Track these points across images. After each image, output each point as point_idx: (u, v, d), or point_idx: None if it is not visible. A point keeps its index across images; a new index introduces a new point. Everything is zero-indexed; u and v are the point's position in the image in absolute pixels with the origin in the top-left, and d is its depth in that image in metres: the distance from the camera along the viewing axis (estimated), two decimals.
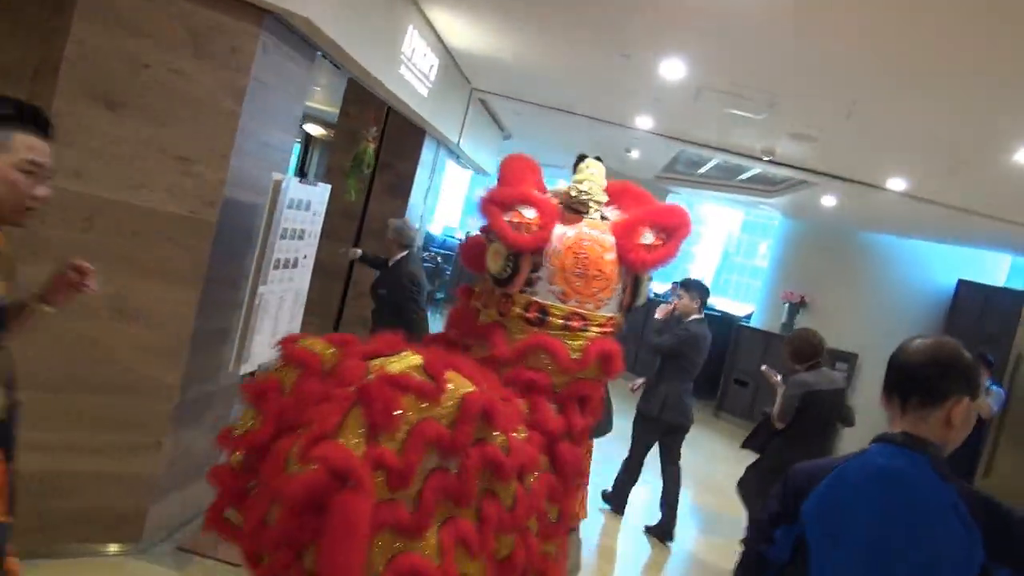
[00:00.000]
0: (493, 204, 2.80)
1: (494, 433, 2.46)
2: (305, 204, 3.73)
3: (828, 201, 8.73)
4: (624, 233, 2.88)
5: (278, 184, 3.41)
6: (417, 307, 5.33)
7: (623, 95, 6.17)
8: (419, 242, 7.10)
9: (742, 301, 14.09)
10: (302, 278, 3.89)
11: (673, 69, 4.78)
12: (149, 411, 3.44)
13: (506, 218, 2.78)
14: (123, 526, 3.46)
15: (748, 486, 4.72)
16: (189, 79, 3.31)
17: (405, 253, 5.43)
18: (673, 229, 2.91)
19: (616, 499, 5.84)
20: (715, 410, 11.37)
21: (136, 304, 3.34)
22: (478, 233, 3.03)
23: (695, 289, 5.60)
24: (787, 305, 11.33)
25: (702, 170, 9.90)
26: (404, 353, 2.51)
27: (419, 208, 7.08)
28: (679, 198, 13.26)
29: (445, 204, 17.75)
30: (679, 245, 2.93)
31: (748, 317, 12.87)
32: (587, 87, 6.27)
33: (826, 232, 11.43)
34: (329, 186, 4.03)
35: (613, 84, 5.83)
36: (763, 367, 5.08)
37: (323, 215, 3.99)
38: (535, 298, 2.78)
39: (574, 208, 2.91)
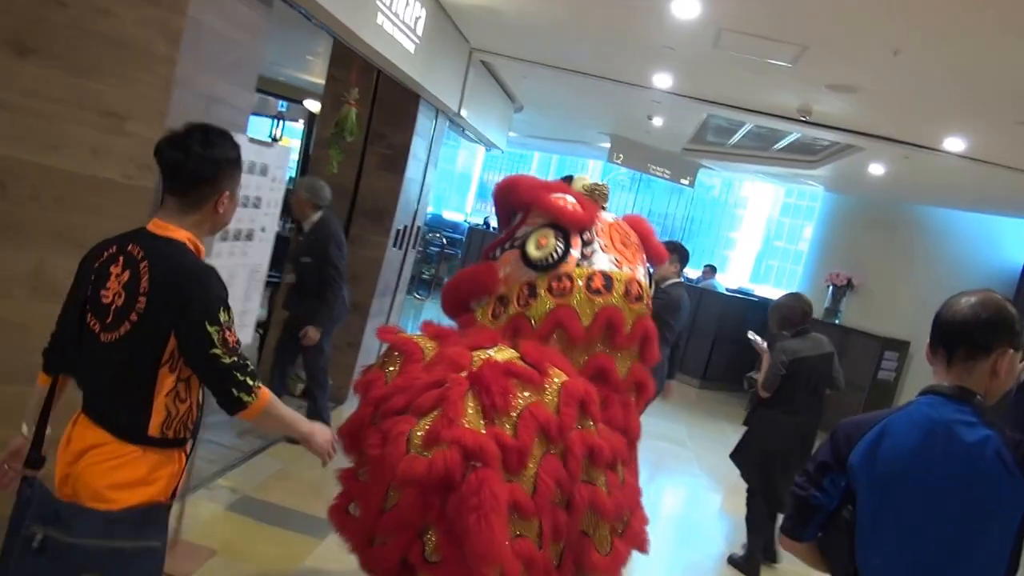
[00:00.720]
0: (538, 188, 3.07)
1: (589, 422, 2.71)
2: (260, 168, 3.42)
3: (876, 169, 8.25)
4: (644, 232, 3.33)
5: None
6: (339, 275, 5.00)
7: (635, 46, 5.77)
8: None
9: (784, 288, 13.63)
10: (259, 253, 3.57)
11: (686, 6, 4.40)
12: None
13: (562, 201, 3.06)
14: None
15: (744, 456, 4.86)
16: (114, 19, 3.00)
17: (320, 214, 5.07)
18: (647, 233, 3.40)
19: None
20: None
21: (59, 282, 3.01)
22: (480, 262, 3.22)
23: (675, 252, 5.36)
24: (831, 288, 10.85)
25: (734, 139, 9.45)
26: (499, 346, 2.76)
27: (417, 184, 6.75)
28: (712, 174, 12.82)
29: (454, 184, 17.40)
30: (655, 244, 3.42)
31: None
32: (595, 40, 5.89)
33: (875, 207, 10.92)
34: (290, 147, 3.70)
35: (622, 33, 5.45)
36: (749, 333, 5.11)
37: (285, 181, 3.67)
38: (596, 268, 2.95)
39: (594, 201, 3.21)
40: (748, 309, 11.22)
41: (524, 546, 2.42)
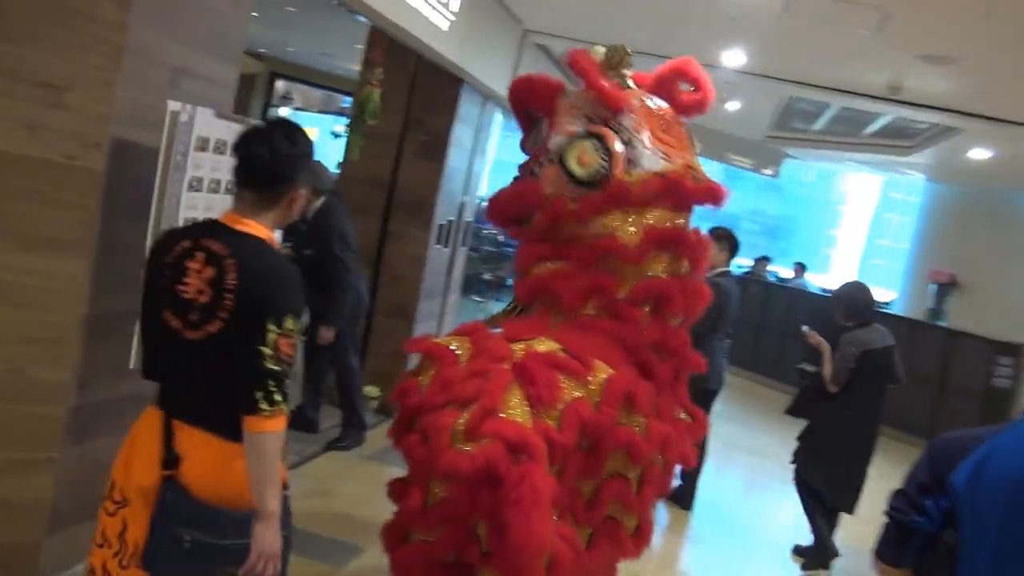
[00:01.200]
0: (590, 62, 2.88)
1: (636, 416, 2.65)
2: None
3: (979, 154, 7.40)
4: (660, 86, 3.06)
5: (175, 117, 2.71)
6: (345, 269, 4.55)
7: (699, 20, 5.21)
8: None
9: (886, 287, 12.69)
10: None
11: None
12: (31, 419, 2.82)
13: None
14: (8, 568, 2.86)
15: (806, 456, 4.61)
16: None
17: (323, 201, 4.57)
18: (694, 79, 3.12)
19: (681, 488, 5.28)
20: None
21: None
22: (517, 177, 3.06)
23: (724, 239, 5.03)
24: (934, 287, 9.94)
25: (819, 123, 8.67)
26: (540, 337, 2.67)
27: (461, 174, 6.29)
28: (803, 165, 12.01)
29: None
30: (706, 85, 3.14)
31: (888, 304, 11.53)
32: (656, 15, 5.39)
33: (980, 196, 9.93)
34: None
35: (684, 5, 4.93)
36: (803, 327, 4.87)
37: None
38: (647, 168, 2.81)
39: (611, 67, 2.97)
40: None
41: (565, 531, 2.46)
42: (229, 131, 2.99)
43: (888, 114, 7.27)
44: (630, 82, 3.01)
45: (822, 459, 4.51)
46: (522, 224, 3.05)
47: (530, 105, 3.04)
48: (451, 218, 6.23)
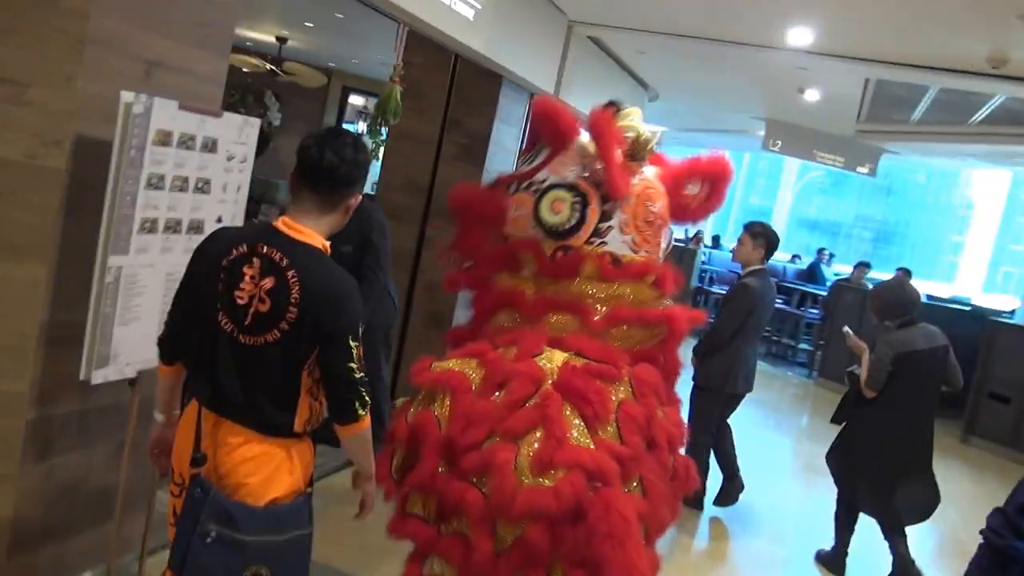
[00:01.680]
0: (607, 133, 2.80)
1: (659, 409, 2.67)
2: (203, 143, 2.85)
3: None
4: (674, 183, 2.99)
5: (128, 108, 2.55)
6: (378, 267, 4.31)
7: None
8: None
9: (1012, 295, 11.64)
10: None
11: None
12: None
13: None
14: None
15: (839, 460, 4.45)
16: None
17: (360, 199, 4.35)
18: (715, 179, 3.03)
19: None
20: (963, 433, 9.20)
21: None
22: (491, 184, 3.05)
23: (760, 236, 4.87)
24: None
25: (917, 112, 7.97)
26: (548, 349, 2.64)
27: None
28: (907, 162, 11.22)
29: None
30: (722, 196, 3.07)
31: (1011, 313, 10.57)
32: None
33: None
34: (258, 120, 3.12)
35: None
36: (844, 328, 4.71)
37: (249, 160, 3.10)
38: (607, 248, 2.79)
39: (633, 156, 2.93)
40: (955, 319, 9.52)
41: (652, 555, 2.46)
42: (199, 125, 2.83)
43: (997, 95, 6.62)
44: (646, 167, 3.00)
45: (850, 466, 4.38)
46: (472, 226, 3.04)
47: (542, 136, 3.00)
48: None
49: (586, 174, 2.87)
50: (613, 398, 2.51)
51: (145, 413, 2.71)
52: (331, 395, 2.10)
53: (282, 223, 2.10)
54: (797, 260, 15.52)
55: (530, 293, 2.88)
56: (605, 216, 2.83)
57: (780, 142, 9.33)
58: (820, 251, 14.28)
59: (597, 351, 2.64)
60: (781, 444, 7.95)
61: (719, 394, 4.88)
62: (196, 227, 2.92)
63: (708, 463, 5.08)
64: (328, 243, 2.15)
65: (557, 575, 2.33)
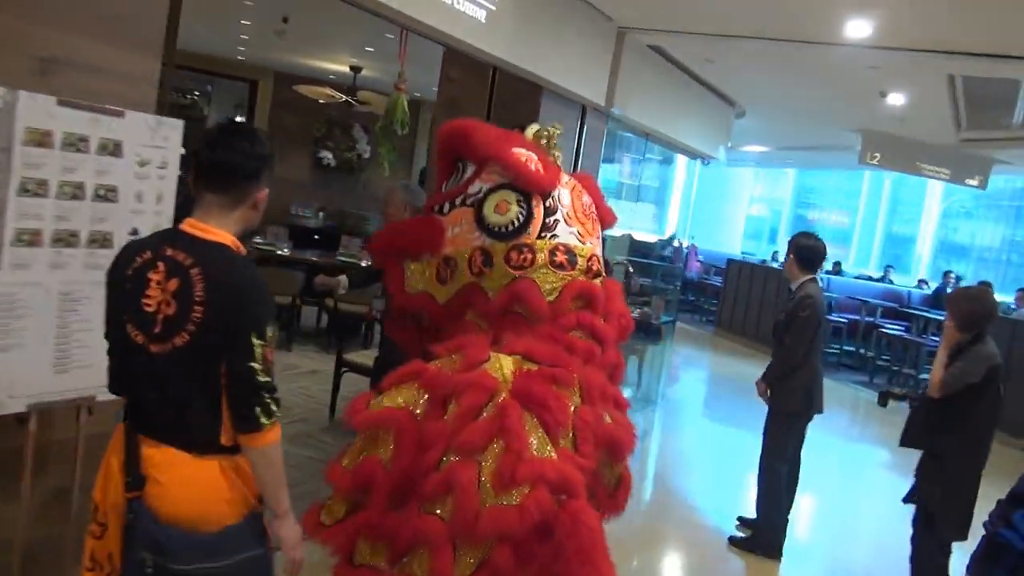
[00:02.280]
0: (498, 141, 2.74)
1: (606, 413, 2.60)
2: (100, 145, 2.56)
3: None
4: (592, 191, 3.00)
5: None
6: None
7: None
8: None
9: None
10: None
11: None
12: None
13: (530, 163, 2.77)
14: None
15: (930, 483, 3.96)
16: None
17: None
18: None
19: (766, 536, 4.71)
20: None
21: None
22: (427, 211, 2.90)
23: (792, 244, 4.71)
24: None
25: (1020, 114, 7.06)
26: (492, 353, 2.51)
27: None
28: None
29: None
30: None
31: None
32: None
33: None
34: (179, 122, 2.84)
35: None
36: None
37: (172, 166, 2.80)
38: (559, 241, 2.76)
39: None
40: None
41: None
42: (91, 125, 2.56)
43: None
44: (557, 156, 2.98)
45: (948, 484, 3.96)
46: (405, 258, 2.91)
47: (464, 154, 2.88)
48: None
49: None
50: (570, 404, 2.41)
51: (58, 455, 2.44)
52: (229, 398, 1.94)
53: (188, 225, 2.02)
54: (924, 286, 14.31)
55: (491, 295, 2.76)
56: (550, 211, 2.76)
57: (879, 155, 8.52)
58: (946, 274, 13.14)
59: (547, 354, 2.52)
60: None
61: (800, 417, 4.64)
62: (101, 240, 2.64)
63: (790, 499, 4.81)
64: (235, 238, 2.03)
65: None
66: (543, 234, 2.74)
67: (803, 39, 5.30)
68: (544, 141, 2.91)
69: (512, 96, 5.42)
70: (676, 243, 9.99)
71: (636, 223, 9.06)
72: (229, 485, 1.98)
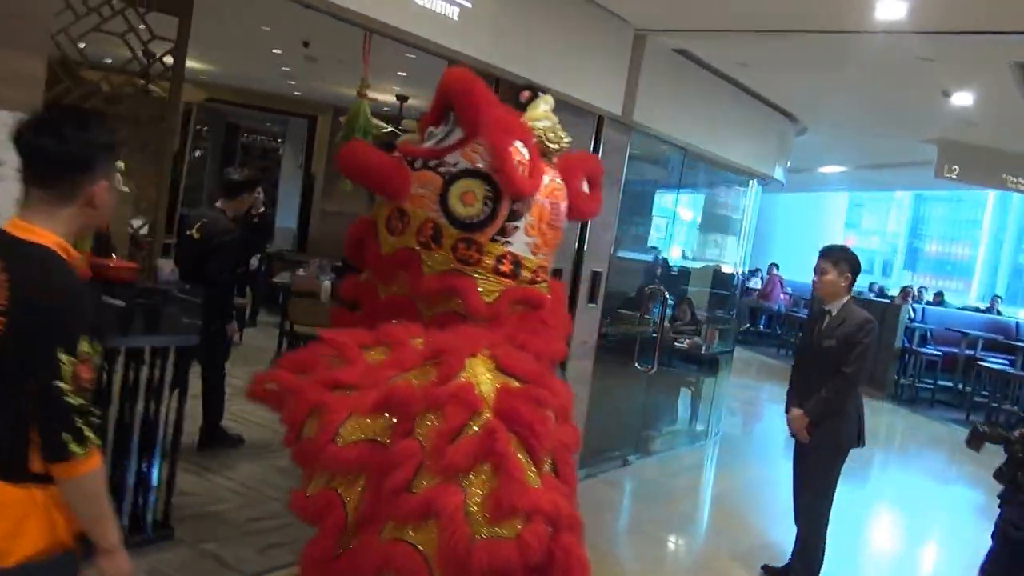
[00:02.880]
0: (496, 119, 2.75)
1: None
2: None
3: None
4: (575, 191, 3.02)
5: None
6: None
7: None
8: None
9: None
10: None
11: None
12: None
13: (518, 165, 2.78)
14: None
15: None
16: None
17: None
18: (596, 177, 3.21)
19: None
20: None
21: None
22: (400, 156, 2.89)
23: (844, 261, 4.24)
24: None
25: None
26: (468, 359, 2.43)
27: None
28: None
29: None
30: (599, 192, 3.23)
31: None
32: None
33: None
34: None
35: None
36: None
37: None
38: (510, 249, 2.77)
39: (544, 153, 2.94)
40: None
41: None
42: None
43: None
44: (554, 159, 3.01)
45: None
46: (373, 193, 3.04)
47: (460, 116, 2.81)
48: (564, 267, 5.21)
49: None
50: (551, 426, 2.38)
51: None
52: (38, 424, 1.73)
53: (11, 223, 1.81)
54: None
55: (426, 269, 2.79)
56: (514, 215, 2.77)
57: (957, 167, 7.76)
58: None
59: (528, 370, 2.47)
60: None
61: (845, 452, 4.26)
62: None
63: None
64: (63, 239, 1.79)
65: None
66: (497, 238, 2.75)
67: (835, 28, 4.76)
68: (543, 140, 2.93)
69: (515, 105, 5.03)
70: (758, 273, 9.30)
71: (707, 253, 8.74)
72: (40, 518, 1.75)
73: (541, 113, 3.03)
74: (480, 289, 2.71)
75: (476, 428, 2.24)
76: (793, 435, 4.29)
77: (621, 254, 6.29)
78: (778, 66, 6.02)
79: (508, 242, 2.76)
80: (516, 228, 2.77)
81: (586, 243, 5.48)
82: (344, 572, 2.23)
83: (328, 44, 7.37)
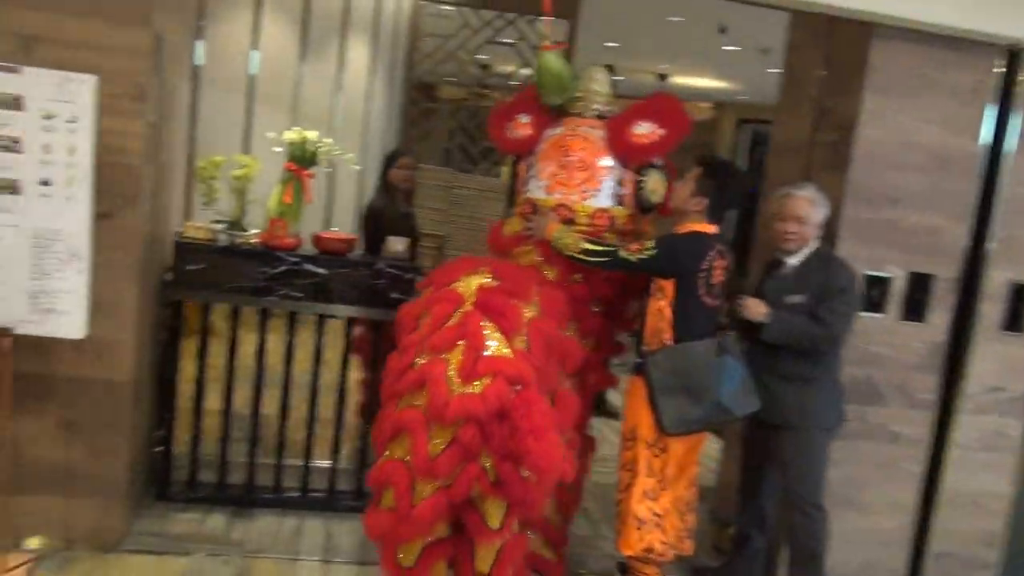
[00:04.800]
0: (495, 116, 3.52)
1: (569, 328, 3.11)
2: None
3: None
4: (615, 126, 3.31)
5: None
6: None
7: None
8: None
9: None
10: (46, 212, 2.88)
11: None
12: None
13: (507, 128, 3.46)
14: None
15: None
16: None
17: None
18: (666, 117, 3.29)
19: None
20: None
21: None
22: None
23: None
24: None
25: None
26: (467, 274, 2.94)
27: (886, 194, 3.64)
28: None
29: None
30: (674, 135, 3.27)
31: None
32: None
33: None
34: (91, 78, 2.84)
35: None
36: None
37: (84, 120, 2.86)
38: (528, 195, 3.35)
39: (568, 111, 3.38)
40: None
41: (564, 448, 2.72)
42: None
43: None
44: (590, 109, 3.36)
45: None
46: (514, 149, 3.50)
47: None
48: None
49: None
50: (525, 314, 2.78)
51: None
52: None
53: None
54: None
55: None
56: (530, 168, 3.37)
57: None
58: None
59: (511, 274, 2.95)
60: None
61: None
62: (7, 187, 2.85)
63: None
64: None
65: (488, 466, 2.55)
66: (524, 190, 3.40)
67: None
68: (589, 103, 3.32)
69: (844, 49, 3.68)
70: None
71: None
72: None
73: (594, 80, 3.38)
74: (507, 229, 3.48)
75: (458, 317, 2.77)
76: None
77: None
78: None
79: (527, 190, 3.38)
80: (532, 177, 3.36)
81: (991, 239, 3.59)
82: (375, 436, 2.82)
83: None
